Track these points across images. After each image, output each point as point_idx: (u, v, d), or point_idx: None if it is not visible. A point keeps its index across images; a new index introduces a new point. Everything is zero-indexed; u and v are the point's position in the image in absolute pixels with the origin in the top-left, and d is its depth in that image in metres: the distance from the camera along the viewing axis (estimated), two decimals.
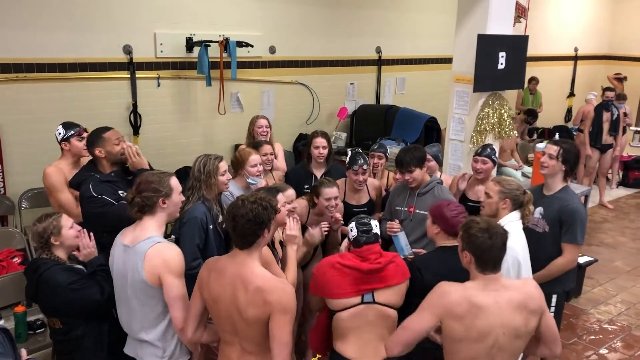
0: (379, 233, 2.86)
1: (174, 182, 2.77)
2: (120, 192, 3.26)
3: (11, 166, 5.11)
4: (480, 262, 2.42)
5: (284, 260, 3.06)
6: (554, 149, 3.57)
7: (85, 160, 3.81)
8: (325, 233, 3.70)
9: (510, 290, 2.44)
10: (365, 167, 4.04)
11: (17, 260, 4.24)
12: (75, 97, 5.36)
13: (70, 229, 2.92)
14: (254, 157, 3.88)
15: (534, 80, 9.43)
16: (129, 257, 2.66)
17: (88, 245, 2.94)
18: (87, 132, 3.79)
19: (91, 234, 2.97)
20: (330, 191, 3.75)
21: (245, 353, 2.51)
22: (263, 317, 2.40)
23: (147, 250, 2.60)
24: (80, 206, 3.35)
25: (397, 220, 3.75)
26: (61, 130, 3.83)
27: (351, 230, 2.84)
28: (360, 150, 4.19)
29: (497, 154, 4.08)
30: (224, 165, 3.43)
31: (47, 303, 2.89)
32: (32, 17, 5.01)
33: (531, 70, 9.26)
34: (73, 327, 2.82)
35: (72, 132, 3.81)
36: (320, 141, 4.48)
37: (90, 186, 3.26)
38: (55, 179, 3.70)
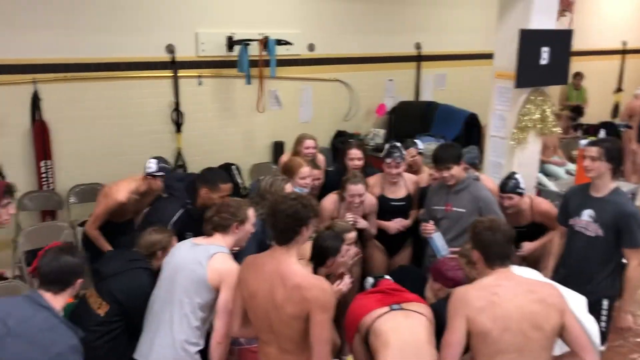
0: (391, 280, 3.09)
1: (251, 212, 3.00)
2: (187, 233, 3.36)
3: (60, 162, 5.30)
4: (487, 258, 2.52)
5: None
6: (594, 151, 3.37)
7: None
8: (353, 224, 3.75)
9: (521, 280, 2.51)
10: (399, 160, 4.04)
11: None
12: (120, 95, 5.52)
13: None
14: (305, 170, 3.96)
15: (578, 75, 9.18)
16: (196, 252, 2.78)
17: None
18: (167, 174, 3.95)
19: None
20: (353, 188, 3.82)
21: (283, 352, 2.52)
22: (301, 315, 2.40)
23: (217, 252, 2.75)
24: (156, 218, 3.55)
25: (431, 222, 3.74)
26: (153, 166, 3.88)
27: (367, 281, 3.14)
28: (399, 144, 4.19)
29: (522, 184, 3.93)
30: (290, 187, 3.59)
31: (119, 289, 2.92)
32: (80, 19, 5.18)
33: (576, 65, 9.03)
34: (114, 320, 2.89)
35: (162, 173, 3.88)
36: (355, 153, 4.43)
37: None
38: (121, 195, 3.85)
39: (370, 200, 4.09)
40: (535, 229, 4.00)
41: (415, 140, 4.71)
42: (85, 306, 2.95)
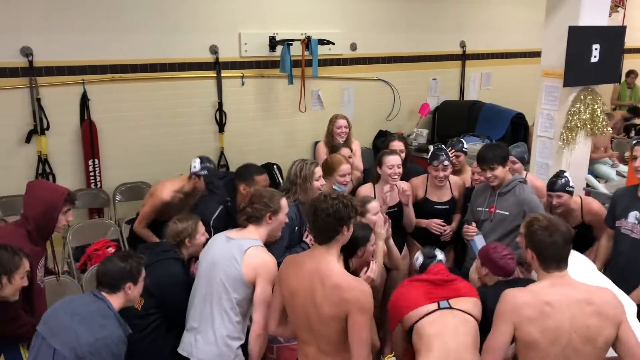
0: (443, 260, 2.97)
1: (284, 202, 2.98)
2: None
3: (107, 161, 5.44)
4: (542, 259, 2.40)
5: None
6: None
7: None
8: (387, 193, 3.80)
9: (579, 288, 2.35)
10: (446, 163, 3.99)
11: (111, 249, 4.50)
12: (165, 95, 5.63)
13: (202, 235, 3.19)
14: (345, 167, 3.95)
15: (632, 73, 8.84)
16: (230, 247, 2.79)
17: None
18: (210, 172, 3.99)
19: None
20: (392, 158, 3.85)
21: (322, 353, 2.51)
22: (339, 315, 2.39)
23: (250, 247, 2.75)
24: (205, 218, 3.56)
25: (473, 224, 3.66)
26: (197, 165, 3.94)
27: (417, 260, 3.00)
28: (443, 146, 4.13)
29: (571, 183, 3.80)
30: (319, 171, 3.58)
31: (151, 282, 2.95)
32: (126, 21, 5.31)
33: (629, 62, 8.71)
34: (151, 313, 2.94)
35: (205, 172, 3.93)
36: (397, 144, 4.41)
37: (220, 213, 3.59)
38: (165, 194, 3.93)
39: (457, 183, 4.18)
40: (585, 230, 3.85)
41: (461, 139, 4.64)
42: None
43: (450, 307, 2.67)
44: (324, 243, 2.48)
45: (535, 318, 2.29)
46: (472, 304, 2.71)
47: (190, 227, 3.13)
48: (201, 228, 3.20)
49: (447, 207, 4.12)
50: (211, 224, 3.51)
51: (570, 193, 3.79)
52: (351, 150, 4.81)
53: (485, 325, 2.64)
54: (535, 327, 2.29)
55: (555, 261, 2.36)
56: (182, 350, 2.89)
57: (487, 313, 2.69)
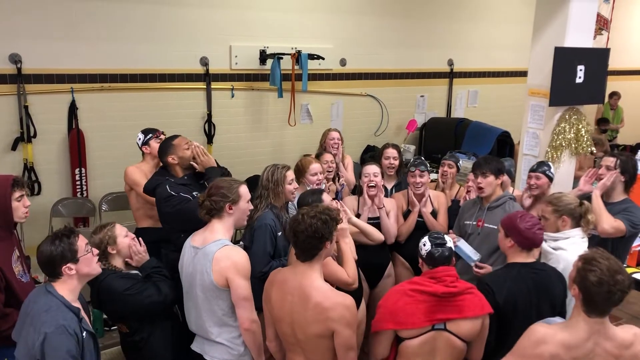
0: (453, 248, 2.70)
1: (243, 190, 2.87)
2: (194, 193, 3.39)
3: (93, 170, 5.42)
4: (588, 306, 2.21)
5: (340, 256, 3.01)
6: (610, 161, 3.78)
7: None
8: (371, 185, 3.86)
9: (613, 340, 2.23)
10: (422, 168, 4.03)
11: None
12: (154, 106, 5.63)
13: (125, 237, 3.02)
14: (315, 166, 3.96)
15: (615, 95, 9.00)
16: (198, 259, 2.76)
17: (139, 252, 3.04)
18: (164, 135, 3.98)
19: (140, 239, 3.08)
20: (368, 167, 3.94)
21: None
22: (325, 334, 2.41)
23: (216, 252, 2.70)
24: (157, 209, 3.50)
25: (451, 232, 3.70)
26: (140, 136, 4.09)
27: (424, 245, 2.67)
28: (422, 158, 4.22)
29: (552, 170, 3.93)
30: (290, 174, 3.54)
31: (109, 310, 3.03)
32: (116, 31, 5.32)
33: (613, 84, 8.87)
34: (138, 329, 2.92)
35: (150, 135, 4.06)
36: (391, 151, 4.53)
37: (167, 186, 3.41)
38: (137, 175, 3.91)
39: (438, 194, 4.22)
40: None
41: (457, 155, 4.72)
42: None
43: (445, 329, 2.56)
44: (307, 260, 2.48)
45: None
46: (470, 324, 2.57)
47: (107, 235, 2.95)
48: (121, 231, 3.01)
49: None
50: (170, 193, 3.40)
51: (550, 179, 3.90)
52: (343, 164, 4.88)
53: (492, 323, 2.63)
54: None
55: (601, 311, 2.21)
56: (195, 347, 2.92)
57: (495, 299, 2.65)
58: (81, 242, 2.46)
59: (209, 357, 2.84)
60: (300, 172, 3.98)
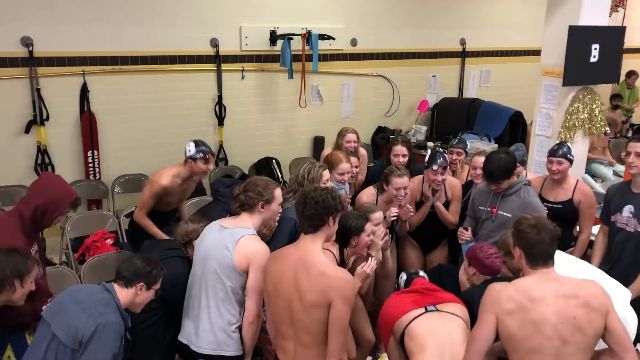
0: (426, 277, 3.07)
1: (278, 192, 2.96)
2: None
3: (106, 153, 5.45)
4: (529, 257, 2.45)
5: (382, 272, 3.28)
6: (639, 147, 3.41)
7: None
8: (393, 219, 3.72)
9: (564, 283, 2.41)
10: (445, 165, 3.93)
11: (109, 241, 4.51)
12: (165, 88, 5.63)
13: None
14: (345, 166, 3.93)
15: (633, 74, 8.83)
16: (223, 236, 2.81)
17: None
18: (213, 156, 4.00)
19: None
20: (400, 181, 3.72)
21: (301, 346, 2.54)
22: (323, 302, 2.43)
23: (243, 236, 2.76)
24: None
25: (469, 229, 3.67)
26: (192, 149, 3.88)
27: (401, 278, 3.10)
28: (441, 149, 4.10)
29: (572, 152, 3.84)
30: (326, 174, 3.59)
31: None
32: (127, 13, 5.31)
33: (630, 63, 8.73)
34: (153, 308, 2.91)
35: (201, 155, 3.88)
36: (400, 149, 4.36)
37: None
38: (159, 188, 3.89)
39: (454, 184, 4.11)
40: (569, 212, 3.85)
41: (463, 139, 4.66)
42: None
43: (438, 310, 2.72)
44: (310, 232, 2.53)
45: (514, 311, 2.36)
46: (458, 308, 2.76)
47: (201, 229, 3.09)
48: None
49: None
50: None
51: (570, 162, 3.83)
52: (358, 159, 4.67)
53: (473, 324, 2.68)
54: (514, 320, 2.35)
55: (542, 258, 2.42)
56: (182, 337, 2.93)
57: (474, 311, 2.70)
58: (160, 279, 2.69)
59: (194, 347, 2.86)
60: (329, 166, 3.91)
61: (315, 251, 2.51)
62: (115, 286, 2.56)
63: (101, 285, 2.59)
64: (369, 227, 3.13)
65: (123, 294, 2.55)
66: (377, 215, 3.40)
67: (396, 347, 2.77)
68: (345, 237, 3.06)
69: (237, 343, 2.85)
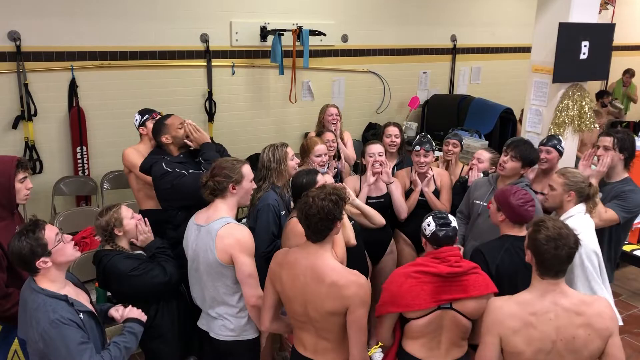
0: (457, 227, 2.71)
1: (246, 169, 2.87)
2: (189, 170, 3.39)
3: (95, 149, 5.41)
4: (540, 267, 2.33)
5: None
6: (607, 140, 3.68)
7: None
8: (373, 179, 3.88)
9: (571, 297, 2.33)
10: (427, 148, 4.02)
11: (98, 238, 4.47)
12: (155, 83, 5.60)
13: (131, 219, 3.03)
14: (320, 147, 3.95)
15: (628, 72, 8.87)
16: (202, 236, 2.78)
17: (144, 231, 3.06)
18: (161, 115, 3.95)
19: (146, 219, 3.10)
20: (373, 146, 3.95)
21: (321, 338, 2.55)
22: (340, 311, 2.44)
23: (219, 229, 2.72)
24: (155, 187, 3.49)
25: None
26: (137, 117, 4.06)
27: (428, 225, 2.68)
28: (429, 136, 4.17)
29: (563, 144, 3.94)
30: (290, 151, 3.57)
31: (115, 290, 3.06)
32: (116, 8, 5.26)
33: (625, 60, 8.78)
34: (144, 309, 2.90)
35: (147, 116, 4.04)
36: (392, 129, 4.51)
37: (163, 163, 3.41)
38: (134, 157, 3.89)
39: (442, 173, 4.21)
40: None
41: (461, 134, 4.69)
42: None
43: (450, 308, 2.58)
44: (318, 241, 2.50)
45: (519, 329, 2.29)
46: (475, 303, 2.58)
47: (114, 217, 2.95)
48: (127, 212, 3.02)
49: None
50: (166, 170, 3.40)
51: (560, 153, 3.92)
52: (342, 139, 4.87)
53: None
54: (521, 338, 2.29)
55: (554, 271, 2.31)
56: (201, 324, 2.97)
57: (486, 268, 2.73)
58: (49, 233, 2.36)
59: (214, 334, 2.88)
60: (305, 152, 3.98)
61: (325, 259, 2.49)
62: (34, 277, 2.38)
63: (27, 285, 2.41)
64: (320, 178, 3.13)
65: (41, 279, 2.36)
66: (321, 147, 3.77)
67: (393, 322, 2.70)
68: (300, 195, 2.96)
69: (253, 327, 2.87)
